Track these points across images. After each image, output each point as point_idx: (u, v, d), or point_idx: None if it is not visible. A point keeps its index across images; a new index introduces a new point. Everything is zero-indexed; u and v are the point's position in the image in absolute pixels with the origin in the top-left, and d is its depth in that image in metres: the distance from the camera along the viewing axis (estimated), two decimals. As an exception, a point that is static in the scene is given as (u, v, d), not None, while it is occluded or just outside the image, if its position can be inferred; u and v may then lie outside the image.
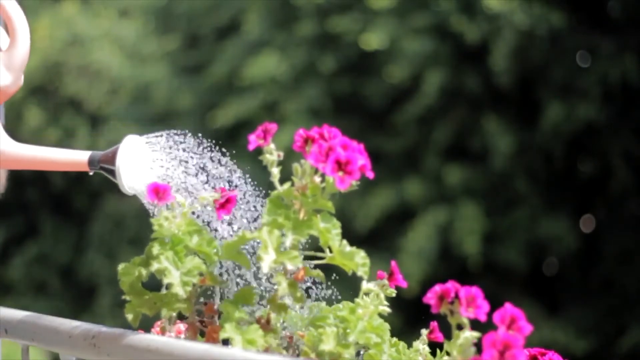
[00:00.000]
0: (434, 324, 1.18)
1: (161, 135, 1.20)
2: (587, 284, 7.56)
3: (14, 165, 1.31)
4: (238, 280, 1.13)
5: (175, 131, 1.20)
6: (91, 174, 1.27)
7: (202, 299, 1.11)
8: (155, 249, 1.06)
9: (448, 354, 1.14)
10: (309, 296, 1.12)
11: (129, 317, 1.08)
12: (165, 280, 1.05)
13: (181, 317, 1.12)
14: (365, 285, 1.12)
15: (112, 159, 1.23)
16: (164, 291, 1.08)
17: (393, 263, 1.14)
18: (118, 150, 1.22)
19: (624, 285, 7.35)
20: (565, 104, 7.20)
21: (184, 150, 1.19)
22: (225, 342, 1.05)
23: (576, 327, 7.06)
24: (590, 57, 7.38)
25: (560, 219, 7.34)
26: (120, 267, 1.09)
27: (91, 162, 1.26)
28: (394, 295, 1.13)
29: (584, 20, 7.51)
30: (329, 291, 1.15)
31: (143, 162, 1.21)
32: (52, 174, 10.50)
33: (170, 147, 1.19)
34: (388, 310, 1.11)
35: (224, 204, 1.15)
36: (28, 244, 10.02)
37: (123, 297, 1.09)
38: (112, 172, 1.23)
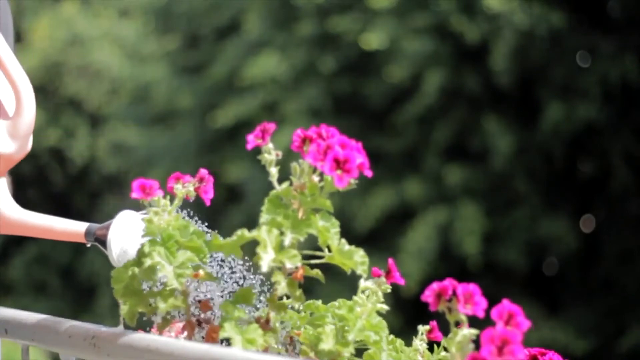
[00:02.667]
0: (433, 324, 1.18)
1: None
2: (587, 284, 7.56)
3: (13, 231, 1.32)
4: (232, 274, 1.14)
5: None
6: (88, 245, 1.28)
7: (197, 297, 1.11)
8: (147, 247, 1.07)
9: (445, 349, 1.14)
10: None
11: (125, 317, 1.09)
12: (159, 274, 1.06)
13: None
14: (363, 283, 1.12)
15: (106, 232, 1.24)
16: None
17: (390, 260, 1.15)
18: (111, 224, 1.24)
19: (624, 285, 7.36)
20: (565, 104, 7.20)
21: None
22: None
23: (576, 327, 7.06)
24: (590, 57, 7.39)
25: (560, 219, 7.34)
26: (113, 273, 1.09)
27: (88, 233, 1.27)
28: (388, 291, 1.13)
29: (584, 20, 7.51)
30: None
31: (136, 236, 1.22)
32: (52, 173, 10.51)
33: None
34: (386, 308, 1.11)
35: (203, 186, 1.16)
36: (28, 244, 10.02)
37: (118, 300, 1.09)
38: (105, 245, 1.25)
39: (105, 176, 10.39)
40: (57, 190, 10.49)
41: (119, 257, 1.23)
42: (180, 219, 1.11)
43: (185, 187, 1.15)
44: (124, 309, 1.08)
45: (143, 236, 1.09)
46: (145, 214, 1.12)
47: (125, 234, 1.23)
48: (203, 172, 1.17)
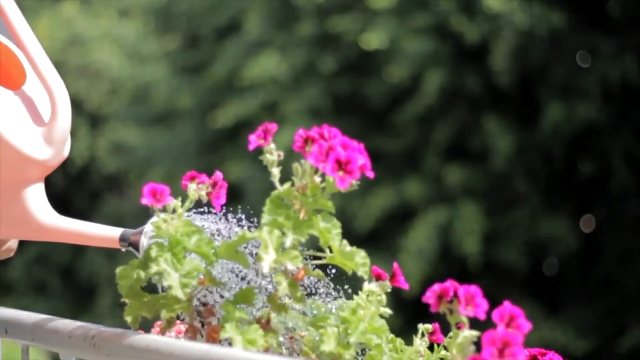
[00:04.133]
0: (435, 326, 1.18)
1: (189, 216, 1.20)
2: (587, 284, 7.56)
3: (48, 237, 1.32)
4: (237, 279, 1.13)
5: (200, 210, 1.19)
6: (123, 250, 1.28)
7: (201, 301, 1.11)
8: (154, 251, 1.06)
9: (446, 348, 1.14)
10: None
11: (128, 319, 1.08)
12: (165, 283, 1.05)
13: (178, 317, 1.12)
14: (366, 286, 1.12)
15: (140, 237, 1.24)
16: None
17: (395, 265, 1.14)
18: (144, 229, 1.24)
19: (624, 285, 7.35)
20: (565, 104, 7.20)
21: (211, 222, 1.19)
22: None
23: (576, 327, 7.06)
24: (590, 57, 7.39)
25: (560, 219, 7.34)
26: (118, 270, 1.09)
27: (122, 238, 1.27)
28: (389, 290, 1.13)
29: (584, 20, 7.51)
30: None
31: None
32: (52, 173, 10.50)
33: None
34: (389, 312, 1.11)
35: (216, 191, 1.15)
36: (28, 244, 10.02)
37: (122, 299, 1.09)
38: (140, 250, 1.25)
39: (105, 176, 10.38)
40: (57, 190, 10.48)
41: None
42: (189, 224, 1.10)
43: (198, 189, 1.14)
44: (127, 311, 1.08)
45: (151, 238, 1.09)
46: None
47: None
48: (219, 175, 1.16)
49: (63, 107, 1.27)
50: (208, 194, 1.15)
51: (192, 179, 1.14)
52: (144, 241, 1.22)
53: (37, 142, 1.26)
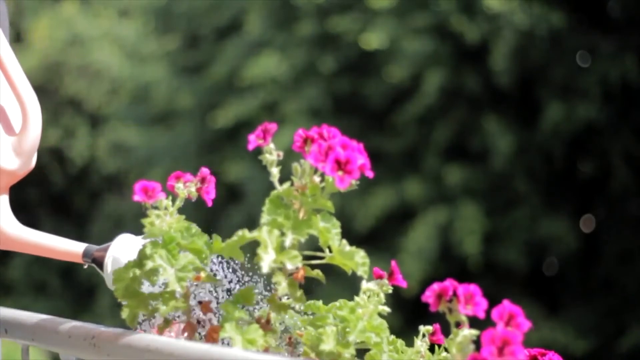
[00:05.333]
0: (436, 326, 1.18)
1: None
2: (587, 284, 7.56)
3: (13, 247, 1.33)
4: (233, 277, 1.14)
5: None
6: (85, 266, 1.29)
7: (197, 298, 1.11)
8: (148, 248, 1.07)
9: (446, 350, 1.14)
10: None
11: (126, 318, 1.09)
12: (161, 278, 1.06)
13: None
14: (365, 285, 1.12)
15: (104, 254, 1.25)
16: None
17: (393, 263, 1.15)
18: (109, 247, 1.24)
19: (624, 285, 7.35)
20: (565, 104, 7.20)
21: None
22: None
23: (576, 327, 7.06)
24: (590, 57, 7.38)
25: (560, 219, 7.34)
26: (114, 273, 1.09)
27: (85, 254, 1.28)
28: (389, 291, 1.13)
29: (584, 20, 7.51)
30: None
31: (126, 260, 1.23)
32: (52, 173, 10.51)
33: None
34: (388, 310, 1.11)
35: (205, 186, 1.16)
36: (28, 244, 10.01)
37: (119, 300, 1.09)
38: (102, 267, 1.25)
39: (105, 176, 10.38)
40: (57, 190, 10.48)
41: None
42: (181, 220, 1.10)
43: (187, 187, 1.15)
44: (124, 311, 1.08)
45: (144, 238, 1.09)
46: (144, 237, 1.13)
47: (123, 257, 1.24)
48: (205, 171, 1.17)
49: (34, 118, 1.28)
50: (198, 189, 1.16)
51: (177, 178, 1.16)
52: (109, 258, 1.23)
53: (6, 152, 1.27)
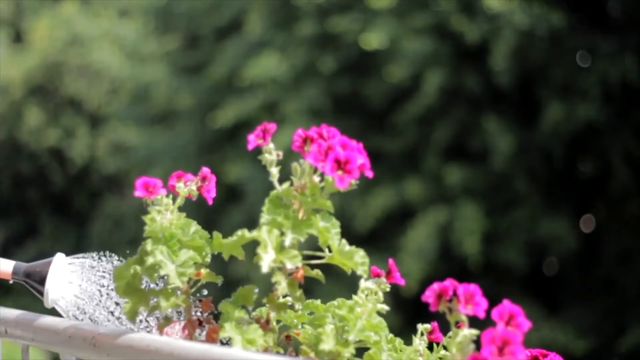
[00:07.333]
0: (434, 324, 1.18)
1: (84, 257, 1.22)
2: (587, 284, 7.56)
3: None
4: None
5: (95, 255, 1.22)
6: (11, 282, 1.29)
7: (198, 295, 1.12)
8: (149, 245, 1.07)
9: (445, 348, 1.14)
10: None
11: (127, 313, 1.09)
12: (162, 273, 1.06)
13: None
14: (363, 284, 1.12)
15: (39, 273, 1.24)
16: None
17: (391, 261, 1.15)
18: (49, 267, 1.24)
19: (624, 285, 7.35)
20: (565, 104, 7.20)
21: (100, 274, 1.22)
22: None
23: (576, 327, 7.06)
24: (590, 57, 7.38)
25: (560, 219, 7.34)
26: (115, 270, 1.10)
27: (15, 272, 1.27)
28: (388, 289, 1.13)
29: (584, 20, 7.51)
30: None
31: (65, 279, 1.23)
32: (52, 173, 10.51)
33: (91, 267, 1.21)
34: (386, 308, 1.11)
35: (206, 184, 1.16)
36: (28, 244, 10.02)
37: (120, 296, 1.10)
38: (34, 287, 1.25)
39: (105, 176, 10.39)
40: (57, 190, 10.48)
41: (51, 298, 1.23)
42: (182, 217, 1.11)
43: (187, 186, 1.15)
44: (125, 306, 1.09)
45: (145, 235, 1.09)
46: (75, 257, 1.14)
47: (61, 276, 1.24)
48: (205, 170, 1.18)
49: None
50: (198, 188, 1.16)
51: (178, 178, 1.16)
52: (48, 285, 1.23)
53: None
